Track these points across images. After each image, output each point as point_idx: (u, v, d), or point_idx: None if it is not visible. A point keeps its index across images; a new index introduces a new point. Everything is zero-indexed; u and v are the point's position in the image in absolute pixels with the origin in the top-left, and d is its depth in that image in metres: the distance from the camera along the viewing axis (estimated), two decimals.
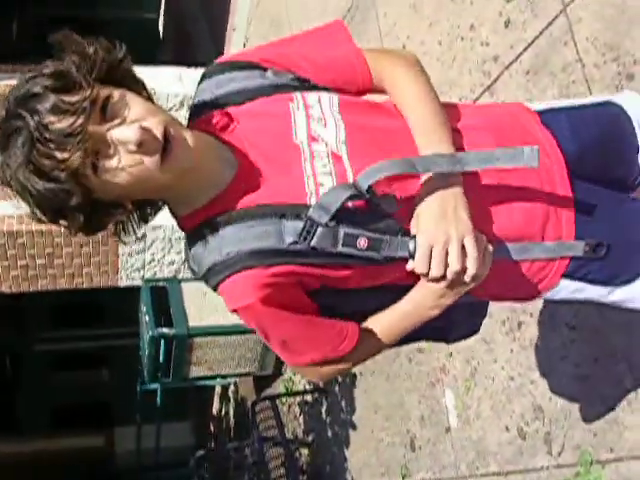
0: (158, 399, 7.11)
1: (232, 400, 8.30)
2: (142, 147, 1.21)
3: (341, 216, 1.29)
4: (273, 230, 1.30)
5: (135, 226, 1.38)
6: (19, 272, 6.43)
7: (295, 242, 1.30)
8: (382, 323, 1.43)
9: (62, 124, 1.18)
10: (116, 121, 1.23)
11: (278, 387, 6.64)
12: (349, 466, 5.25)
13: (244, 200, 1.34)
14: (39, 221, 1.27)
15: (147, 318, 6.11)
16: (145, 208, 1.39)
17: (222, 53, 7.88)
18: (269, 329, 1.38)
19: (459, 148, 1.37)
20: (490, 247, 1.33)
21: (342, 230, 1.30)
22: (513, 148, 1.34)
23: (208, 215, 1.35)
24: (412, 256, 1.31)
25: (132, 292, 6.64)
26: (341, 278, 1.36)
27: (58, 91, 1.20)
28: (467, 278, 1.31)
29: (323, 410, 5.78)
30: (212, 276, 1.34)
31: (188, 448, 10.43)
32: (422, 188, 1.33)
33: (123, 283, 6.73)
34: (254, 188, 1.34)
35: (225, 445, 7.12)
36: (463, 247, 1.29)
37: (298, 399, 6.26)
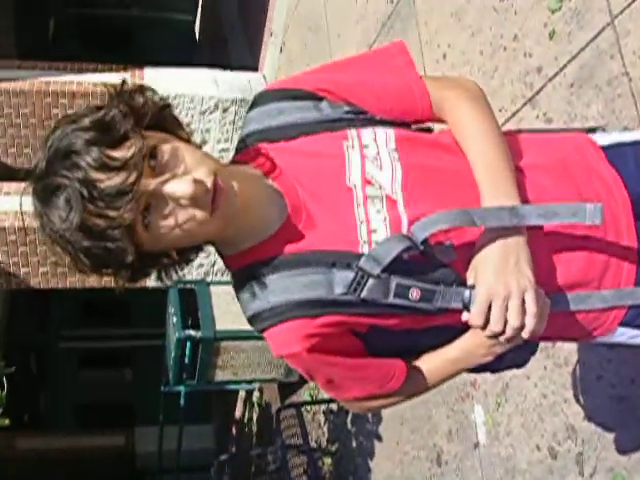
0: (182, 401, 7.10)
1: (256, 405, 8.28)
2: (194, 200, 1.16)
3: (394, 266, 1.23)
4: (322, 280, 1.26)
5: (177, 269, 1.32)
6: (48, 269, 6.46)
7: (345, 293, 1.25)
8: (429, 366, 1.39)
9: (113, 181, 1.12)
10: (167, 175, 1.17)
11: (303, 394, 6.60)
12: (372, 477, 5.19)
13: (292, 245, 1.29)
14: (80, 271, 1.22)
15: (174, 320, 6.10)
16: (189, 252, 1.33)
17: (258, 58, 7.88)
18: (315, 373, 1.35)
19: (521, 189, 1.29)
20: (548, 301, 1.26)
21: (394, 281, 1.24)
22: (575, 205, 1.27)
23: (255, 259, 1.30)
24: (467, 307, 1.25)
25: (160, 293, 6.64)
26: (390, 325, 1.32)
27: (103, 145, 1.14)
28: (525, 335, 1.23)
29: (348, 420, 5.73)
30: (258, 322, 1.31)
31: (210, 451, 10.45)
32: (483, 235, 1.26)
33: (151, 284, 6.71)
34: (303, 233, 1.29)
35: (248, 450, 7.09)
36: (523, 301, 1.22)
37: (323, 407, 6.22)
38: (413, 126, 1.40)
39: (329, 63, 1.44)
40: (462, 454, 4.01)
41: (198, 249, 1.33)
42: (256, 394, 8.19)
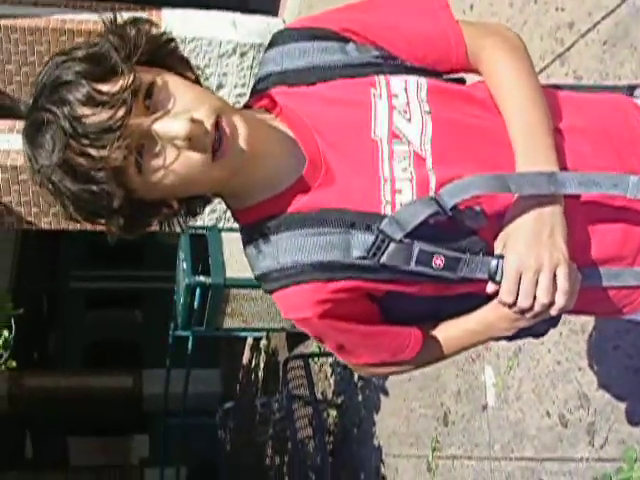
0: (189, 346, 7.09)
1: (263, 352, 8.28)
2: (192, 142, 1.05)
3: (417, 231, 1.13)
4: (339, 241, 1.15)
5: (182, 220, 1.21)
6: (59, 210, 6.39)
7: (363, 257, 1.15)
8: (446, 335, 1.30)
9: (99, 117, 1.02)
10: (161, 112, 1.06)
11: (311, 345, 6.58)
12: (377, 432, 5.18)
13: (308, 201, 1.17)
14: (74, 221, 1.14)
15: (184, 265, 6.04)
16: (193, 203, 1.21)
17: (278, 1, 7.69)
18: (325, 338, 1.27)
19: (559, 154, 1.18)
20: (580, 276, 1.16)
21: (417, 247, 1.14)
22: (618, 176, 1.16)
23: (266, 214, 1.19)
24: (492, 279, 1.15)
25: (174, 236, 6.57)
26: (409, 292, 1.22)
27: (93, 78, 1.04)
28: (553, 311, 1.15)
29: (355, 373, 5.70)
30: (267, 282, 1.21)
31: (216, 395, 10.52)
32: (516, 202, 1.15)
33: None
34: (321, 188, 1.17)
35: (253, 398, 7.10)
36: (554, 276, 1.12)
37: (330, 359, 6.20)
38: (444, 76, 1.27)
39: (356, 2, 1.29)
40: (469, 415, 3.97)
41: (205, 201, 1.23)
42: (264, 342, 8.19)
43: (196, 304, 6.01)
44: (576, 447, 3.10)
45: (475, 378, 3.92)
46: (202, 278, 5.86)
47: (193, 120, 1.05)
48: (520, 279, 1.12)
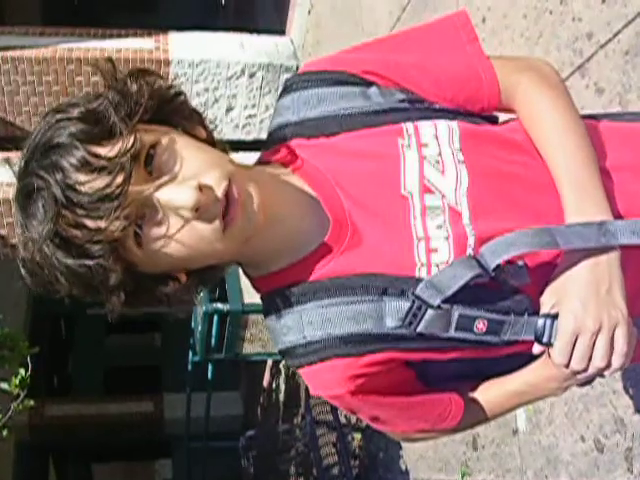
0: (209, 373, 7.00)
1: (283, 374, 8.19)
2: (199, 212, 0.94)
3: (455, 294, 1.02)
4: (370, 310, 1.04)
5: (193, 293, 1.08)
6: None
7: (398, 327, 1.04)
8: (489, 398, 1.19)
9: (95, 184, 0.91)
10: (165, 177, 0.95)
11: None
12: (404, 456, 5.06)
13: (334, 266, 1.06)
14: (69, 297, 1.01)
15: (198, 299, 5.94)
16: (205, 274, 1.07)
17: (285, 21, 7.63)
18: (359, 412, 1.16)
19: (608, 198, 1.06)
20: (635, 331, 1.05)
21: (456, 312, 1.03)
22: None
23: (288, 282, 1.08)
24: (539, 340, 1.05)
25: None
26: (448, 359, 1.11)
27: (89, 141, 0.93)
28: (607, 373, 1.04)
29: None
30: (292, 358, 1.10)
31: (237, 418, 10.44)
32: (568, 252, 1.04)
33: None
34: (348, 251, 1.06)
35: (275, 424, 7.00)
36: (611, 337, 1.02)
37: None
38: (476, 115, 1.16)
39: (375, 40, 1.18)
40: (500, 439, 3.85)
41: (219, 270, 1.10)
42: (283, 363, 8.09)
43: (214, 331, 5.91)
44: (614, 473, 2.97)
45: None
46: (220, 305, 5.76)
47: (201, 187, 0.94)
48: (575, 340, 1.02)
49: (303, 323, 1.07)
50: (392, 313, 1.04)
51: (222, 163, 0.99)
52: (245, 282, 5.92)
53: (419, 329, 1.03)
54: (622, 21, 2.91)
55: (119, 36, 6.51)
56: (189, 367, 7.29)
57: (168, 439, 11.55)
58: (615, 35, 2.95)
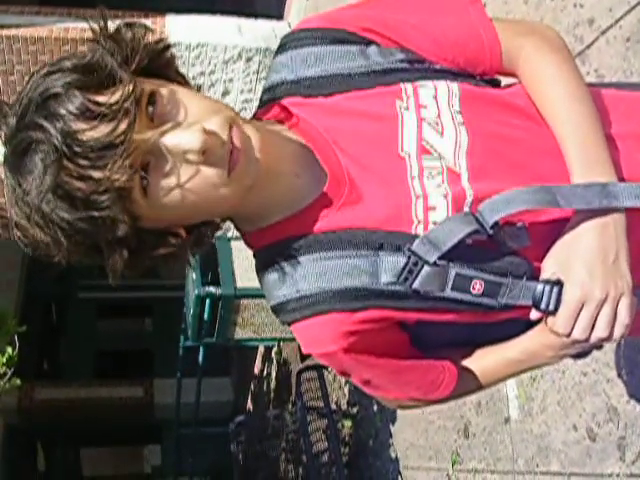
0: (200, 357, 6.97)
1: (275, 361, 8.18)
2: (206, 156, 0.92)
3: (453, 252, 1.00)
4: (366, 265, 1.02)
5: (189, 252, 1.06)
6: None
7: (393, 282, 1.02)
8: (484, 365, 1.17)
9: (97, 132, 0.87)
10: (169, 124, 0.92)
11: None
12: (394, 443, 5.05)
13: (331, 220, 1.04)
14: (67, 261, 0.97)
15: (194, 276, 5.92)
16: (203, 230, 1.05)
17: (283, 5, 7.58)
18: (351, 373, 1.13)
19: (613, 164, 1.04)
20: (636, 301, 1.03)
21: (453, 270, 1.01)
22: None
23: (282, 237, 1.06)
24: (536, 306, 1.03)
25: None
26: (444, 321, 1.09)
27: (87, 89, 0.89)
28: (607, 343, 1.03)
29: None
30: (284, 313, 1.08)
31: (228, 404, 10.43)
32: (574, 217, 1.01)
33: None
34: (345, 206, 1.04)
35: (265, 410, 6.99)
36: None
37: None
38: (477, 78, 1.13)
39: None
40: (491, 428, 3.84)
41: (214, 227, 1.08)
42: (275, 350, 8.08)
43: (206, 315, 5.88)
44: (606, 462, 2.96)
45: (497, 390, 3.78)
46: (212, 289, 5.72)
47: (206, 131, 0.92)
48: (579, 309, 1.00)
49: (297, 277, 1.05)
50: (387, 269, 1.02)
51: (222, 109, 0.97)
52: (238, 266, 5.91)
53: (414, 286, 1.01)
54: (624, 7, 2.88)
55: (116, 17, 6.44)
56: (180, 352, 7.27)
57: (158, 424, 11.53)
58: (617, 21, 2.93)
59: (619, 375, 2.89)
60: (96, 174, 0.88)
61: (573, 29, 3.19)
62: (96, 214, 0.90)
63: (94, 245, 0.95)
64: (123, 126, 0.88)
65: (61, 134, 0.87)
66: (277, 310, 1.10)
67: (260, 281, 1.12)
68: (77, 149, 0.87)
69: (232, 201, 0.99)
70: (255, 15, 7.15)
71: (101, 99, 0.89)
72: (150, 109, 0.93)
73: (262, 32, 6.77)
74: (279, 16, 7.55)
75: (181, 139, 0.91)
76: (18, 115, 0.92)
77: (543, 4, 3.42)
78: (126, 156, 0.88)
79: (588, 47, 3.09)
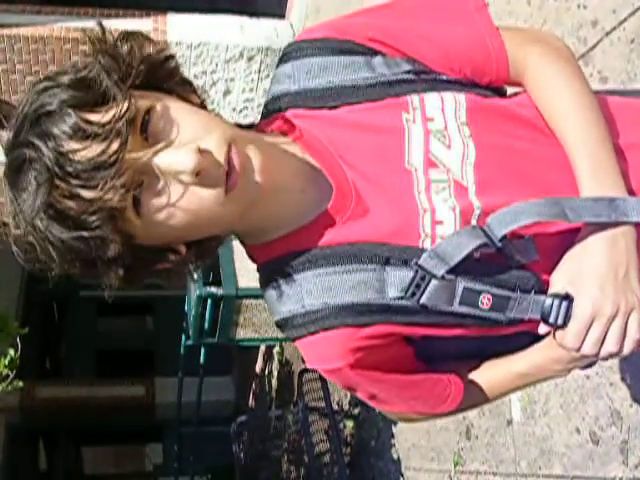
0: (202, 357, 6.96)
1: (276, 360, 8.17)
2: (200, 177, 0.90)
3: (461, 266, 0.99)
4: (372, 279, 1.01)
5: (192, 267, 1.05)
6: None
7: (400, 297, 1.01)
8: (490, 378, 1.16)
9: (89, 152, 0.86)
10: (163, 143, 0.91)
11: None
12: (396, 444, 5.04)
13: (337, 234, 1.03)
14: (66, 273, 0.96)
15: (195, 276, 5.90)
16: (204, 246, 1.03)
17: (285, 4, 7.56)
18: (357, 388, 1.12)
19: (623, 177, 1.03)
20: None
21: (461, 284, 1.00)
22: None
23: (288, 250, 1.04)
24: (545, 320, 1.01)
25: None
26: (451, 336, 1.08)
27: (81, 107, 0.88)
28: (616, 358, 1.03)
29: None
30: (289, 329, 1.06)
31: (229, 403, 10.42)
32: (584, 231, 1.00)
33: None
34: (352, 220, 1.03)
35: (267, 410, 6.98)
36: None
37: None
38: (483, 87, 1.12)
39: (378, 5, 1.12)
40: (494, 430, 3.83)
41: (217, 242, 1.06)
42: (277, 349, 8.06)
43: (208, 316, 5.87)
44: (608, 466, 2.95)
45: None
46: (213, 289, 5.71)
47: (201, 151, 0.90)
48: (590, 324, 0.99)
49: (302, 292, 1.04)
50: (394, 283, 1.01)
51: (220, 126, 0.95)
52: (239, 266, 5.89)
53: (422, 300, 1.00)
54: (628, 9, 2.87)
55: (117, 16, 6.43)
56: (182, 351, 7.25)
57: (159, 423, 11.52)
58: (621, 23, 2.91)
59: (622, 378, 2.88)
60: (88, 194, 0.88)
61: (577, 30, 3.18)
62: (86, 234, 0.89)
63: (89, 261, 0.93)
64: (115, 146, 0.87)
65: (53, 154, 0.87)
66: (282, 325, 1.08)
67: (264, 296, 1.10)
68: (69, 169, 0.87)
69: (230, 219, 0.98)
70: (257, 14, 7.13)
71: (94, 118, 0.88)
72: (146, 130, 0.91)
73: (264, 31, 6.76)
74: (281, 15, 7.53)
75: (173, 159, 0.90)
76: (14, 131, 0.92)
77: (546, 5, 3.40)
78: (117, 176, 0.87)
79: (592, 49, 3.07)
